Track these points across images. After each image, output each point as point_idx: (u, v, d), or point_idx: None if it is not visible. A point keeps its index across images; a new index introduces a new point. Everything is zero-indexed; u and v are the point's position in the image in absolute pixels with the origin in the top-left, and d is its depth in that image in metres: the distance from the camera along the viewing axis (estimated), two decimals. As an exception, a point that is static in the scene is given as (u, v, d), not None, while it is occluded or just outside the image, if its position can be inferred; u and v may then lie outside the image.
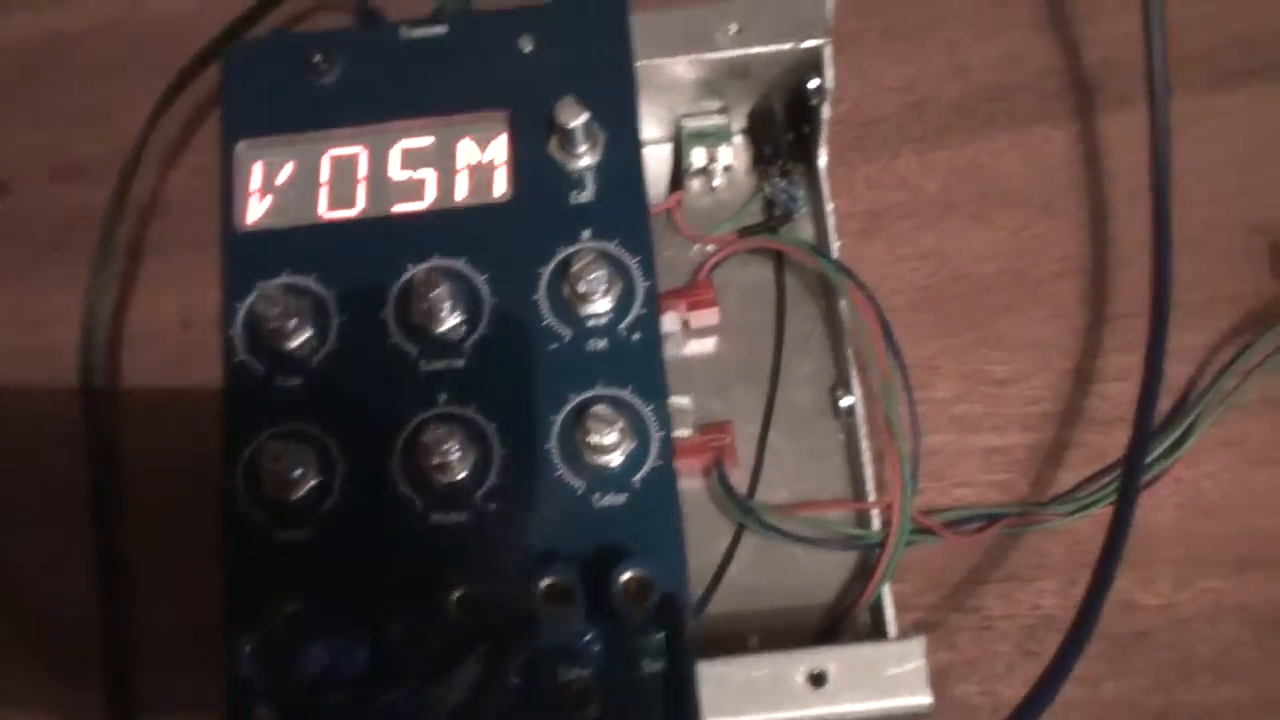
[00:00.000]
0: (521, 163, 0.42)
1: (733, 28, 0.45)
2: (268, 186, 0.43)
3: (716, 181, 0.51)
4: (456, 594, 0.35)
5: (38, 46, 0.57)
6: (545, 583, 0.34)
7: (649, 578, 0.34)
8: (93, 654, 0.46)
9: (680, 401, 0.47)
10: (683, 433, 0.46)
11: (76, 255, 0.52)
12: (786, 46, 0.45)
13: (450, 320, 0.40)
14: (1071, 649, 0.37)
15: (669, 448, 0.39)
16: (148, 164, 0.52)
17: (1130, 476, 0.41)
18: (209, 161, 0.51)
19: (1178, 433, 0.48)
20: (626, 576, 0.34)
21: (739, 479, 0.47)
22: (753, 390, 0.49)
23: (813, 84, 0.46)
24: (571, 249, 0.41)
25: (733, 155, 0.51)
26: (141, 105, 0.53)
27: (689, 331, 0.49)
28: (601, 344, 0.40)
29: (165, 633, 0.47)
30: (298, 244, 0.42)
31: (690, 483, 0.47)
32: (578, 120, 0.40)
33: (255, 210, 0.42)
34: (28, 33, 0.57)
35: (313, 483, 0.39)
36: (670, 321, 0.48)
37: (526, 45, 0.43)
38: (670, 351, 0.47)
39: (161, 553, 0.48)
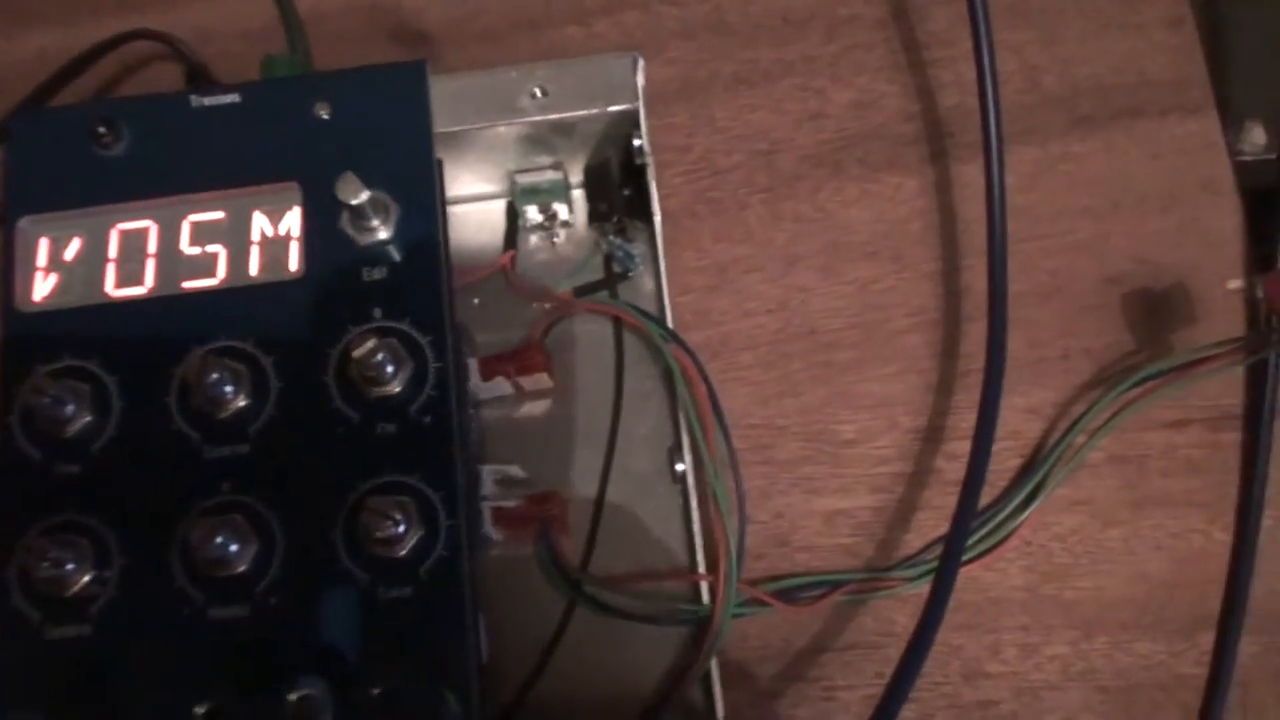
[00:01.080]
0: (314, 237, 0.41)
1: (536, 92, 0.43)
2: (54, 264, 0.41)
3: (556, 237, 0.49)
4: (202, 709, 0.33)
5: None
6: (295, 696, 0.32)
7: (394, 692, 0.32)
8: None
9: (510, 470, 0.45)
10: (509, 503, 0.44)
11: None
12: (594, 111, 0.43)
13: (235, 404, 0.39)
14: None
15: (457, 538, 0.38)
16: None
17: (951, 554, 0.39)
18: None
19: (1025, 491, 0.46)
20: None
21: (575, 544, 0.46)
22: (590, 454, 0.47)
23: (636, 143, 0.45)
24: (362, 328, 0.39)
25: (570, 210, 0.49)
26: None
27: (523, 395, 0.47)
28: (390, 428, 0.39)
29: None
30: (82, 324, 0.40)
31: (524, 550, 0.46)
32: (358, 197, 0.39)
33: (40, 289, 0.41)
34: None
35: (87, 577, 0.37)
36: (501, 385, 0.46)
37: (323, 113, 0.42)
38: (502, 415, 0.46)
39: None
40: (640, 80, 0.43)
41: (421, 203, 0.41)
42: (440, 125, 0.42)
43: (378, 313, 0.40)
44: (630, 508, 0.47)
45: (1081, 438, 0.47)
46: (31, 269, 0.41)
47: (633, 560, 0.46)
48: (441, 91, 0.42)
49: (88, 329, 0.40)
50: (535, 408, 0.48)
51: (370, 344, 0.38)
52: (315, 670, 0.36)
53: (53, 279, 0.41)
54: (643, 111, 0.43)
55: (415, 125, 0.41)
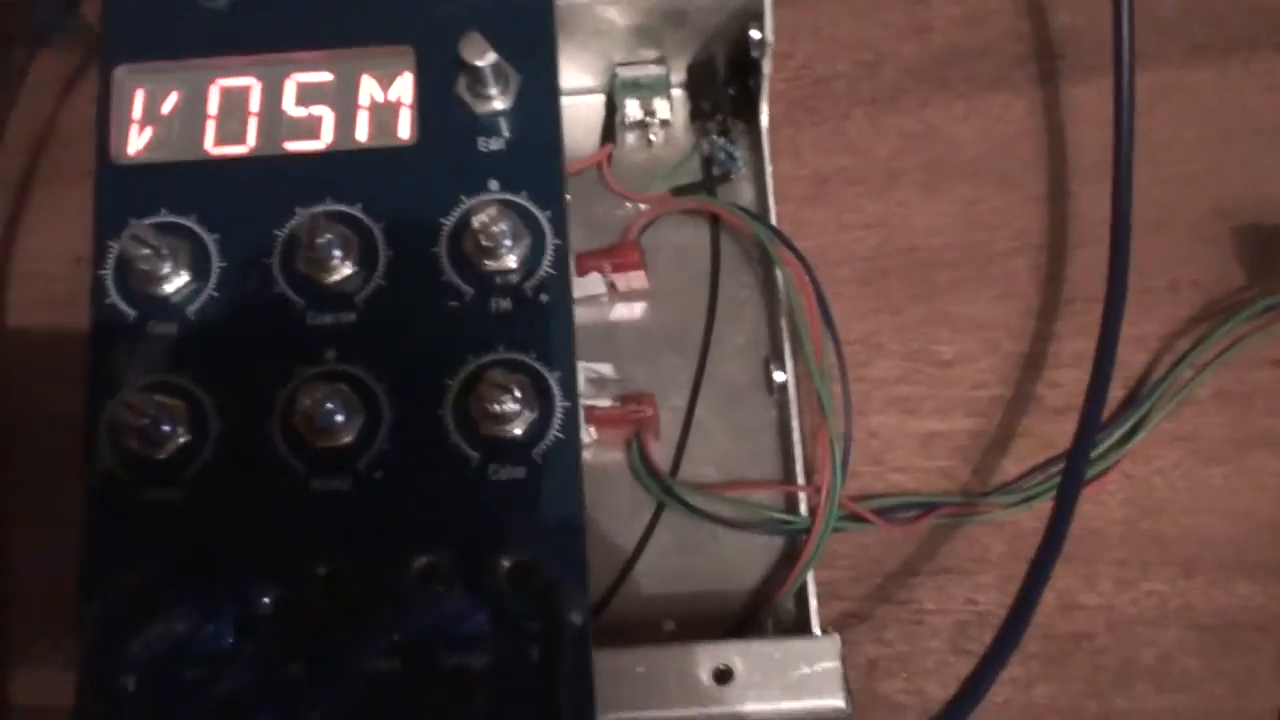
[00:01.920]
0: (428, 104, 0.39)
1: (664, -34, 0.41)
2: (149, 117, 0.39)
3: (653, 136, 0.48)
4: (323, 570, 0.31)
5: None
6: (420, 561, 0.31)
7: (532, 563, 0.31)
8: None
9: (602, 369, 0.44)
10: (602, 402, 0.43)
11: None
12: (730, -10, 0.41)
13: (342, 271, 0.37)
14: (1002, 649, 0.34)
15: (574, 420, 0.36)
16: (38, 91, 0.49)
17: (1074, 471, 0.38)
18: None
19: (1129, 424, 0.45)
20: (508, 563, 0.31)
21: (663, 454, 0.44)
22: (682, 360, 0.46)
23: (754, 35, 0.43)
24: (477, 199, 0.37)
25: (670, 109, 0.47)
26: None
27: (616, 295, 0.46)
28: (505, 304, 0.37)
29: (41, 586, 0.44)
30: (180, 180, 0.38)
31: (611, 456, 0.44)
32: (485, 59, 0.37)
33: (135, 142, 0.39)
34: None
35: (182, 440, 0.36)
36: (596, 283, 0.45)
37: (437, -28, 0.40)
38: (595, 315, 0.45)
39: (40, 499, 0.45)
40: (771, -39, 0.41)
41: (542, 74, 0.39)
42: (561, -3, 0.40)
43: (494, 184, 0.38)
44: (721, 416, 0.45)
45: (1188, 372, 0.45)
46: (127, 121, 0.39)
47: (720, 469, 0.45)
48: (564, -39, 0.40)
49: (186, 185, 0.38)
50: (628, 309, 0.46)
51: (492, 212, 0.36)
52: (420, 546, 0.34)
53: (149, 132, 0.39)
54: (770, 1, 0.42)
55: (537, -6, 0.39)
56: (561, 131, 0.38)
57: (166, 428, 0.35)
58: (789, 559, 0.44)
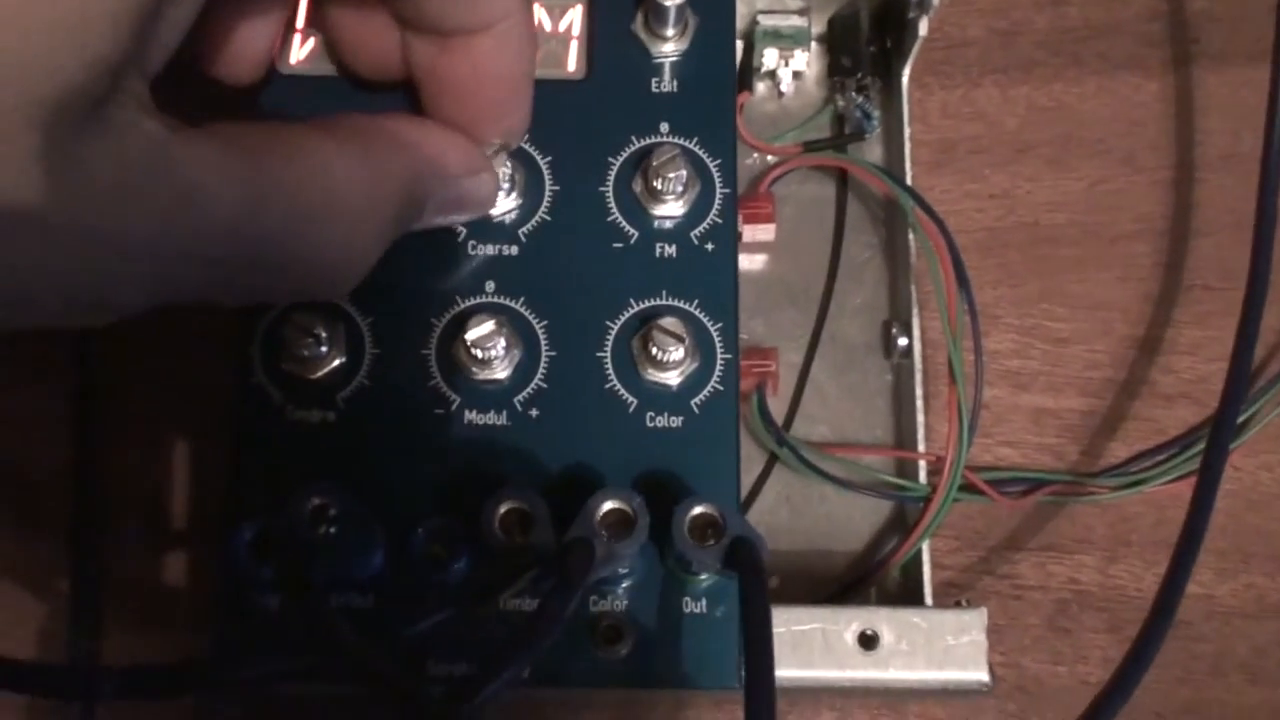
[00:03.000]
0: (600, 38, 0.38)
1: (831, -86, 0.41)
2: (314, 26, 0.38)
3: (784, 87, 0.47)
4: (504, 507, 0.31)
5: None
6: (606, 506, 0.30)
7: (718, 516, 0.30)
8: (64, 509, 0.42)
9: (725, 320, 0.43)
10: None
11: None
12: (898, -57, 0.41)
13: (506, 202, 0.36)
14: (1153, 636, 0.34)
15: (733, 373, 0.36)
16: None
17: (1215, 460, 0.38)
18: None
19: (1242, 417, 0.45)
20: (695, 512, 0.31)
21: (776, 409, 0.44)
22: (800, 316, 0.45)
23: (916, -6, 0.42)
24: (647, 141, 0.37)
25: (806, 62, 0.46)
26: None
27: (741, 245, 0.45)
28: (670, 250, 0.36)
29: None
30: (341, 95, 0.37)
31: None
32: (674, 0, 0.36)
33: (297, 51, 0.38)
34: None
35: (338, 361, 0.35)
36: (723, 232, 0.44)
37: (618, -102, 0.39)
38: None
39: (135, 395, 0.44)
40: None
41: (721, 18, 0.38)
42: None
43: (665, 127, 0.37)
44: (836, 376, 0.45)
45: (1305, 370, 0.45)
46: (291, 29, 0.38)
47: (833, 429, 0.45)
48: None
49: (346, 101, 0.37)
50: (750, 260, 0.46)
51: (667, 156, 0.35)
52: (573, 488, 0.34)
53: (311, 42, 0.38)
54: (940, -45, 0.41)
55: (719, -68, 0.39)
56: (735, 80, 0.38)
57: (324, 348, 0.34)
58: (895, 525, 0.44)
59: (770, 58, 0.46)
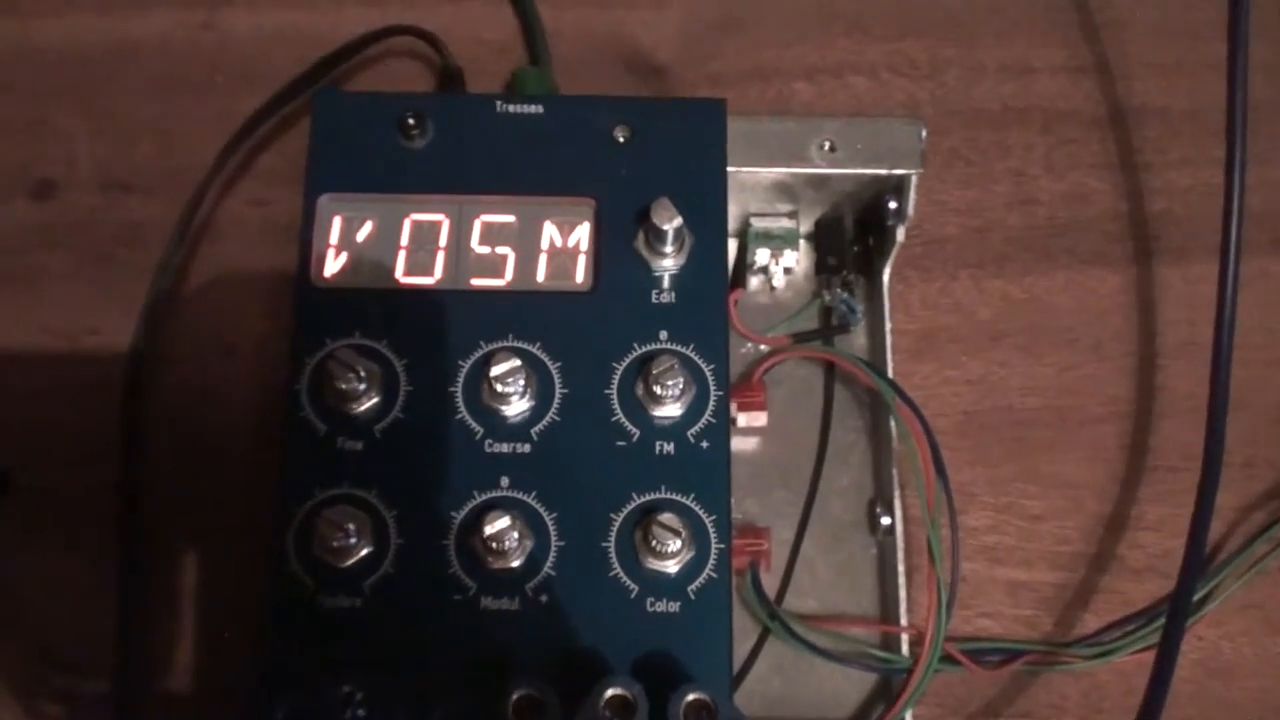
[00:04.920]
0: (605, 254, 0.42)
1: (826, 145, 0.45)
2: (345, 242, 0.42)
3: (776, 282, 0.51)
4: (517, 694, 0.34)
5: (103, 51, 0.56)
6: (609, 693, 0.34)
7: (710, 702, 0.34)
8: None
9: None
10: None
11: (120, 268, 0.52)
12: (879, 171, 0.45)
13: (520, 405, 0.40)
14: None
15: (728, 561, 0.39)
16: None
17: (1174, 631, 0.41)
18: (266, 193, 0.52)
19: (1204, 591, 0.48)
20: (689, 699, 0.34)
21: (768, 584, 0.47)
22: (791, 496, 0.49)
23: (892, 205, 0.46)
24: (649, 348, 0.41)
25: (796, 259, 0.50)
26: (202, 124, 0.53)
27: (734, 429, 0.49)
28: (669, 448, 0.40)
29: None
30: (372, 305, 0.41)
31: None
32: (672, 223, 0.40)
33: (331, 265, 0.42)
34: (93, 36, 0.56)
35: (365, 551, 0.38)
36: (719, 418, 0.48)
37: (621, 135, 0.43)
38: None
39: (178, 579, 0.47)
40: (922, 148, 0.45)
41: (714, 235, 0.42)
42: (731, 164, 0.44)
43: (664, 335, 0.41)
44: (825, 552, 0.48)
45: (1264, 547, 0.49)
46: (325, 245, 0.42)
47: (821, 602, 0.48)
48: (731, 131, 0.44)
49: (377, 311, 0.41)
50: (745, 443, 0.49)
51: (671, 363, 0.39)
52: (579, 669, 0.37)
53: (344, 257, 0.42)
54: (915, 178, 0.45)
55: (712, 161, 0.43)
56: (728, 292, 0.42)
57: (353, 539, 0.38)
58: (881, 694, 0.47)
59: (763, 256, 0.50)
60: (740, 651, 0.46)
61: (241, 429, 0.49)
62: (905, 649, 0.46)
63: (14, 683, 0.46)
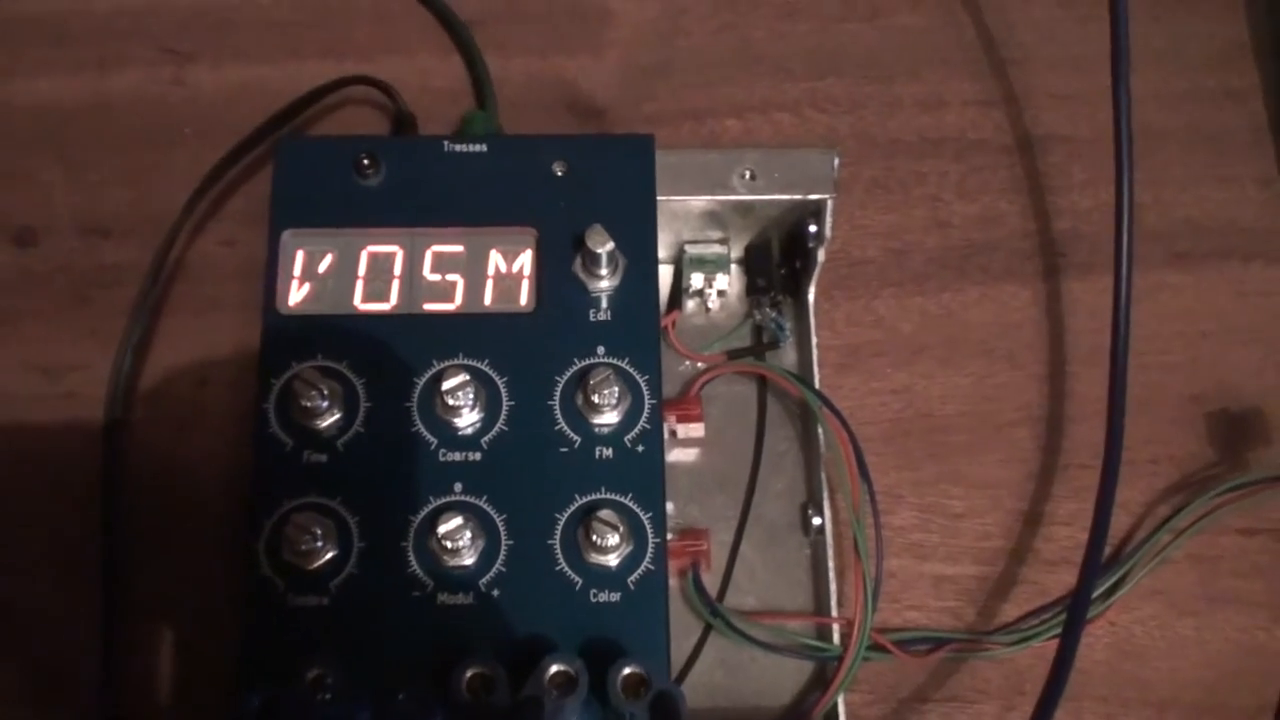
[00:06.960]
0: (545, 278, 0.46)
1: (747, 174, 0.49)
2: (308, 274, 0.46)
3: (710, 304, 0.55)
4: (469, 673, 0.38)
5: (78, 107, 0.60)
6: (553, 669, 0.37)
7: (644, 674, 0.37)
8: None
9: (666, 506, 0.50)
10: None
11: (98, 309, 0.55)
12: (796, 197, 0.49)
13: (471, 417, 0.44)
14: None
15: (663, 553, 0.43)
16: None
17: (1075, 619, 0.45)
18: (235, 234, 0.55)
19: (1114, 579, 0.52)
20: (625, 672, 0.38)
21: (709, 582, 0.51)
22: (729, 500, 0.52)
23: (812, 229, 0.50)
24: (587, 362, 0.44)
25: (728, 282, 0.54)
26: (172, 172, 0.57)
27: (674, 440, 0.53)
28: (608, 452, 0.44)
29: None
30: (333, 331, 0.45)
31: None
32: (605, 247, 0.44)
33: (295, 295, 0.45)
34: (69, 93, 0.60)
35: (331, 554, 0.42)
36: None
37: (559, 170, 0.47)
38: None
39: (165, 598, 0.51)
40: (835, 175, 0.49)
41: (645, 258, 0.46)
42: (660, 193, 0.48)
43: (601, 350, 0.45)
44: (762, 552, 0.52)
45: (1167, 536, 0.53)
46: (289, 276, 0.46)
47: (760, 599, 0.51)
48: (659, 164, 0.48)
49: (338, 335, 0.45)
50: (685, 454, 0.53)
51: (607, 374, 0.43)
52: (528, 654, 0.40)
53: (307, 287, 0.46)
54: (831, 203, 0.49)
55: (643, 190, 0.47)
56: (659, 309, 0.46)
57: (319, 543, 0.41)
58: (818, 682, 0.50)
59: (697, 280, 0.54)
60: (684, 647, 0.50)
61: (217, 456, 0.52)
62: (837, 639, 0.50)
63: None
